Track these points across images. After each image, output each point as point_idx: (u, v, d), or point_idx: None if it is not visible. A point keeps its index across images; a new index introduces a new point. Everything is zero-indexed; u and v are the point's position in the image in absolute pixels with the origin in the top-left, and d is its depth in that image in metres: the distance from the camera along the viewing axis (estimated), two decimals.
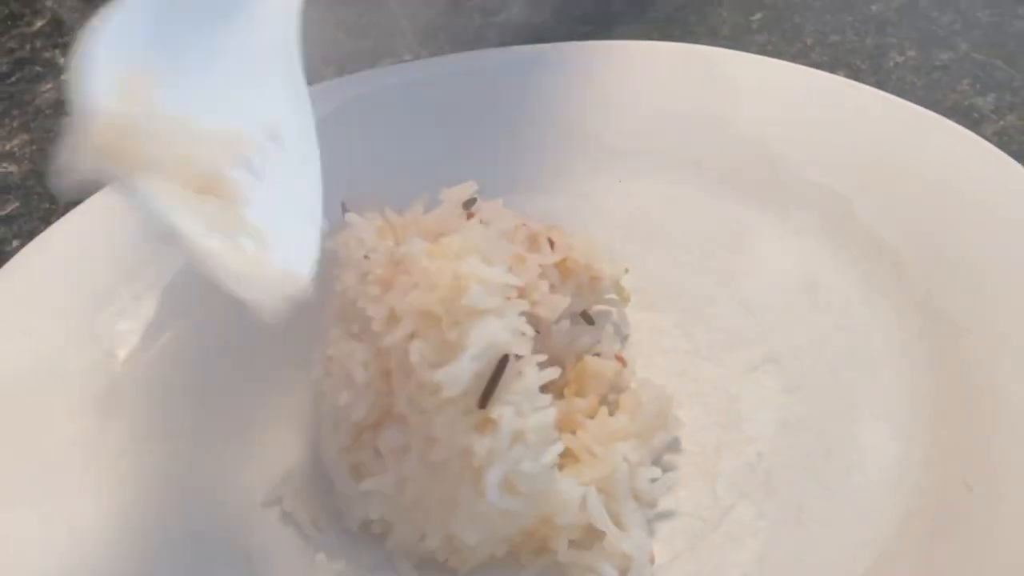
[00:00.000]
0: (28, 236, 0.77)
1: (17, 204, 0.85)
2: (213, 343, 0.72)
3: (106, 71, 0.56)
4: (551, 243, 0.68)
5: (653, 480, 0.61)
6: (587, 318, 0.69)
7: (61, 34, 1.01)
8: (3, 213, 0.85)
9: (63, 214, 0.77)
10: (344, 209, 0.69)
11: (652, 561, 0.59)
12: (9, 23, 1.03)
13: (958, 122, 0.74)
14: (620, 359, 0.65)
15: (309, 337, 0.68)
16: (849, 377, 0.66)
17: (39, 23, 1.03)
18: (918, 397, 0.64)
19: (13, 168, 0.88)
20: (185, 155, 0.57)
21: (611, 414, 0.62)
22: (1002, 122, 0.80)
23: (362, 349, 0.63)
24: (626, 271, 0.71)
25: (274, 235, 0.57)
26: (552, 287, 0.67)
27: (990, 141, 0.72)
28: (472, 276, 0.57)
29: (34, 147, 0.90)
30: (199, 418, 0.69)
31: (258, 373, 0.71)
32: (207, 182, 0.57)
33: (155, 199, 0.54)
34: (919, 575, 0.56)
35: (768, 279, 0.72)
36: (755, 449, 0.64)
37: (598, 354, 0.66)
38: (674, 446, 0.64)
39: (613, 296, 0.71)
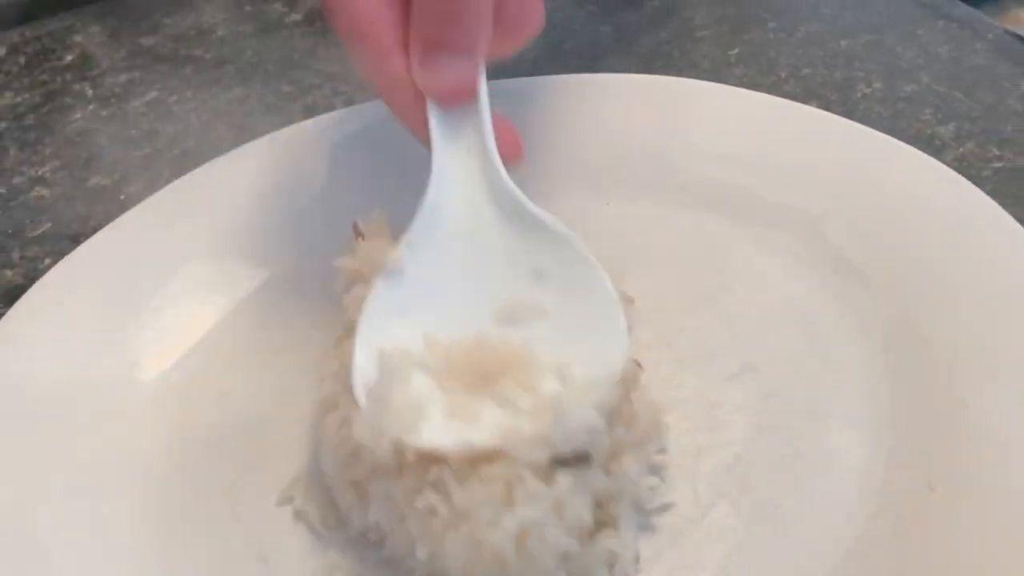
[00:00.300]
0: (59, 255, 0.77)
1: (49, 225, 0.85)
2: (230, 354, 0.73)
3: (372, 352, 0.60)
4: None
5: (651, 488, 0.61)
6: None
7: (89, 68, 1.01)
8: (36, 233, 0.85)
9: (91, 235, 0.77)
10: (356, 231, 0.69)
11: (637, 559, 0.59)
12: (42, 58, 1.03)
13: (921, 149, 0.74)
14: (637, 363, 0.65)
15: (321, 350, 0.69)
16: (820, 385, 0.66)
17: (69, 58, 1.03)
18: (883, 404, 0.64)
19: (45, 192, 0.89)
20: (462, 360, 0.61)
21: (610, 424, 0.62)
22: (962, 149, 0.80)
23: None
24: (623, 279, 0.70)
25: (578, 354, 0.60)
26: None
27: (951, 167, 0.72)
28: None
29: (64, 172, 0.90)
30: (217, 423, 0.69)
31: (272, 382, 0.71)
32: (494, 367, 0.60)
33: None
34: (885, 568, 0.56)
35: (745, 295, 0.72)
36: (733, 451, 0.64)
37: None
38: (660, 450, 0.64)
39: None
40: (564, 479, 0.56)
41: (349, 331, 0.64)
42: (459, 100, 0.63)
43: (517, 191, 0.64)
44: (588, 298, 0.62)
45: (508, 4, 0.62)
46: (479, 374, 0.60)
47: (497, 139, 0.65)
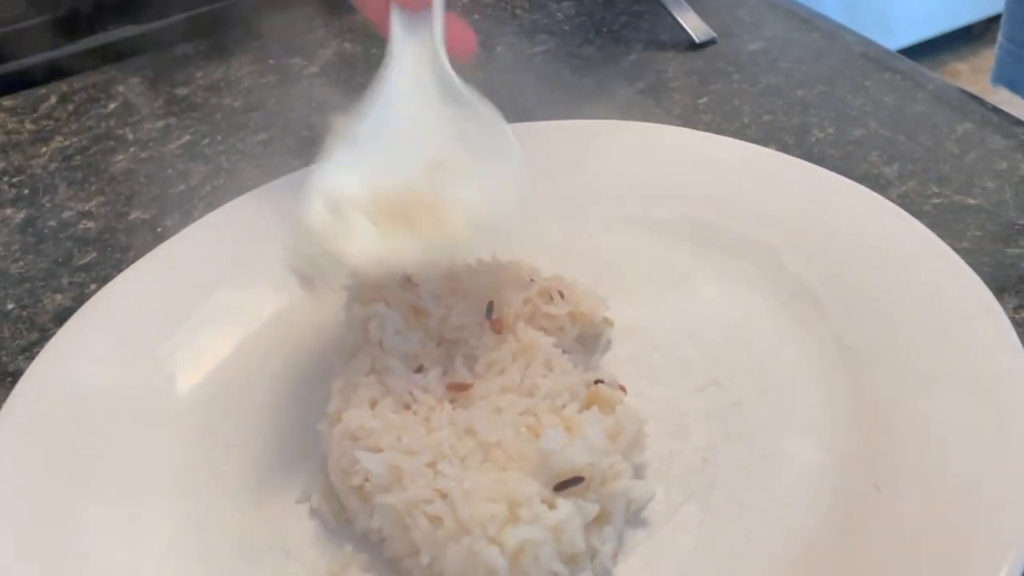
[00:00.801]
0: (103, 281, 0.77)
1: (94, 254, 0.85)
2: (253, 369, 0.73)
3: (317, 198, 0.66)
4: (561, 295, 0.69)
5: (642, 495, 0.61)
6: (588, 347, 0.71)
7: (130, 115, 1.01)
8: (83, 262, 0.85)
9: (131, 263, 0.77)
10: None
11: (615, 554, 0.59)
12: (88, 105, 1.03)
13: (868, 187, 0.74)
14: (622, 388, 0.65)
15: (330, 367, 0.69)
16: (778, 397, 0.66)
17: (112, 105, 1.03)
18: (835, 413, 0.64)
19: (91, 224, 0.89)
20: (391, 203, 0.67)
21: None
22: (904, 187, 0.80)
23: (368, 383, 0.64)
24: (607, 307, 0.71)
25: (485, 199, 0.67)
26: (562, 330, 0.68)
27: (895, 203, 0.72)
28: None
29: (108, 208, 0.90)
30: (243, 429, 0.69)
31: (290, 394, 0.71)
32: (416, 209, 0.67)
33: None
34: (838, 559, 0.56)
35: (711, 316, 0.72)
36: (701, 456, 0.64)
37: (601, 380, 0.65)
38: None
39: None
40: (565, 506, 0.56)
41: (352, 352, 0.66)
42: (417, 5, 0.70)
43: (455, 76, 0.70)
44: (498, 159, 0.68)
45: None
46: (404, 215, 0.66)
47: (451, 36, 0.71)
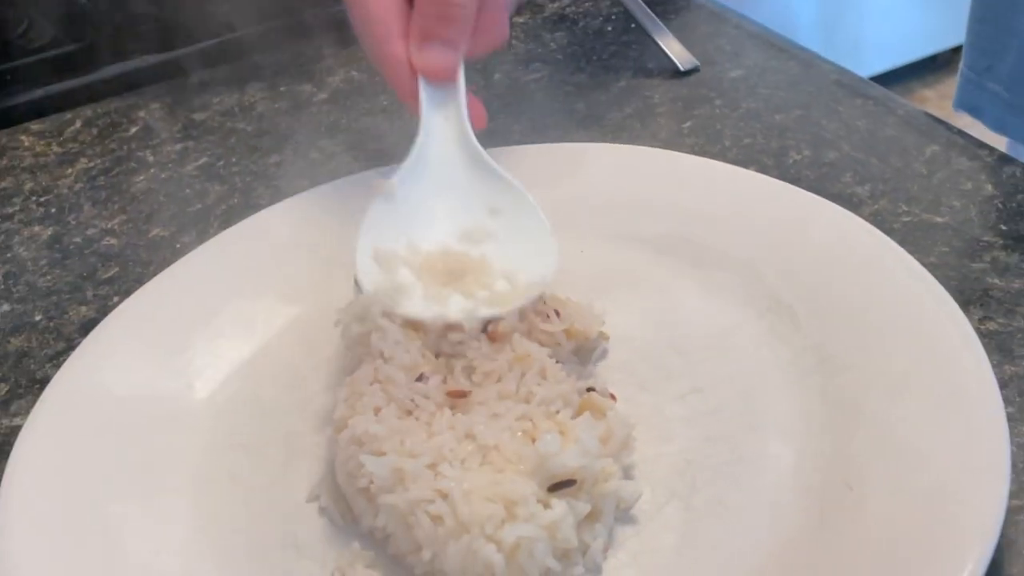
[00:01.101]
0: (125, 294, 0.78)
1: (117, 269, 0.86)
2: (266, 377, 0.73)
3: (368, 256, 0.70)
4: (557, 314, 0.69)
5: (630, 494, 0.61)
6: (583, 359, 0.71)
7: (150, 138, 1.01)
8: (107, 275, 0.85)
9: (152, 277, 0.77)
10: (356, 285, 0.71)
11: (605, 549, 0.60)
12: (111, 129, 1.03)
13: (842, 205, 0.74)
14: (612, 396, 0.66)
15: (338, 376, 0.70)
16: (756, 402, 0.66)
17: (133, 130, 1.03)
18: (810, 418, 0.64)
19: (114, 241, 0.89)
20: (435, 263, 0.70)
21: None
22: (876, 205, 0.81)
23: (371, 391, 0.64)
24: (603, 323, 0.72)
25: (521, 267, 0.70)
26: (559, 344, 0.69)
27: (867, 220, 0.73)
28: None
29: (129, 225, 0.91)
30: (256, 433, 0.69)
31: (300, 400, 0.71)
32: (458, 269, 0.70)
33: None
34: (812, 554, 0.56)
35: (695, 327, 0.72)
36: (684, 458, 0.64)
37: (593, 388, 0.65)
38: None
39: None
40: (559, 505, 0.57)
41: (354, 365, 0.67)
42: (444, 78, 0.73)
43: (481, 148, 0.74)
44: (528, 229, 0.72)
45: (484, 17, 0.72)
46: (447, 273, 0.70)
47: (468, 111, 0.74)
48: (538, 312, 0.68)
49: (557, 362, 0.66)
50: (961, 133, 0.86)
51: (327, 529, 0.63)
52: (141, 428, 0.68)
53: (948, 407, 0.60)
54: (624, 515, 0.61)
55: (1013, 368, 0.67)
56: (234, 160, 0.97)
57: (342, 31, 1.07)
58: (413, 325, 0.67)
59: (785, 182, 0.78)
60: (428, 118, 0.74)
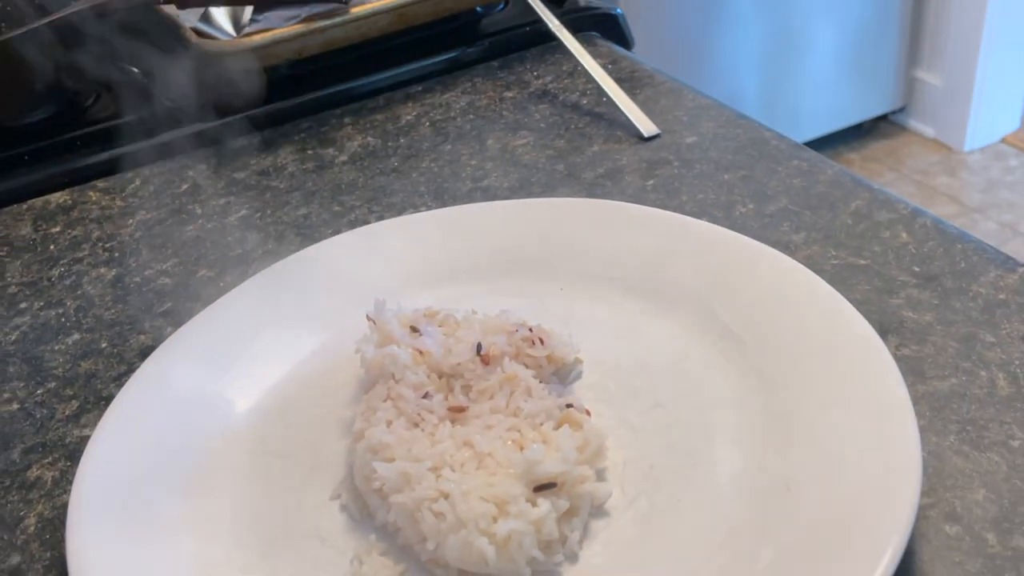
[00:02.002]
0: (177, 324, 0.78)
1: (170, 303, 0.86)
2: (295, 394, 0.73)
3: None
4: (541, 342, 0.69)
5: (602, 494, 0.62)
6: (562, 379, 0.71)
7: (198, 194, 1.02)
8: (161, 310, 0.85)
9: (200, 311, 0.77)
10: (369, 319, 0.71)
11: (581, 540, 0.60)
12: (165, 186, 1.04)
13: (780, 251, 0.75)
14: (587, 412, 0.66)
15: (356, 393, 0.70)
16: (709, 416, 0.67)
17: (184, 186, 1.03)
18: (754, 429, 0.65)
19: (168, 280, 0.89)
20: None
21: None
22: (809, 250, 0.81)
23: (384, 407, 0.64)
24: (579, 350, 0.72)
25: None
26: (541, 367, 0.69)
27: (801, 263, 0.73)
28: None
29: (181, 267, 0.91)
30: (287, 441, 0.69)
31: (324, 414, 0.71)
32: None
33: None
34: (756, 542, 0.57)
35: (657, 353, 0.72)
36: (648, 462, 0.64)
37: (571, 404, 0.66)
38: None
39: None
40: (544, 504, 0.57)
41: (370, 385, 0.68)
42: None
43: None
44: None
45: None
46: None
47: None
48: (525, 339, 0.69)
49: (540, 382, 0.67)
50: (880, 190, 0.87)
51: (347, 523, 0.63)
52: (190, 436, 0.69)
53: (870, 420, 0.60)
54: (598, 511, 0.62)
55: (924, 387, 0.67)
56: (269, 212, 0.97)
57: (359, 103, 1.08)
58: (420, 352, 0.68)
59: (733, 231, 0.78)
60: None
